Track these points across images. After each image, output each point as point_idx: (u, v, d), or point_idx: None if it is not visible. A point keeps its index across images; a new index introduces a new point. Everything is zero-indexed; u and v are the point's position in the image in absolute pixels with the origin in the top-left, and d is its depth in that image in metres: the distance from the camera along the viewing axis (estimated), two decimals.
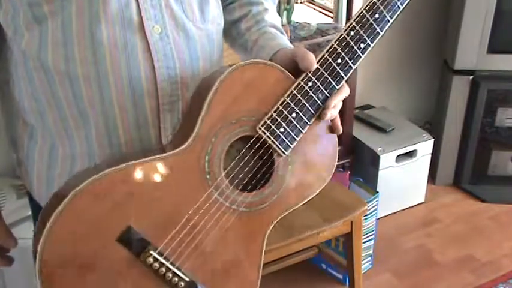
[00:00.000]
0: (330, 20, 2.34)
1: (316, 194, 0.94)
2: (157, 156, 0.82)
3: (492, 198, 2.54)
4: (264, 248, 0.91)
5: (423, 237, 2.34)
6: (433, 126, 2.74)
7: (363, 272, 1.98)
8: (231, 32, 1.06)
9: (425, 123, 2.80)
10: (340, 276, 2.11)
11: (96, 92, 0.85)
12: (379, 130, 2.40)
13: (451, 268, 2.18)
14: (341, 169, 2.22)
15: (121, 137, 0.88)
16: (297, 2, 2.33)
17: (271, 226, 0.91)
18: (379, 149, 2.29)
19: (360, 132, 2.37)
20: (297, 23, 2.21)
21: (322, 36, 2.13)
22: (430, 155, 2.42)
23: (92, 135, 0.88)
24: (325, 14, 2.40)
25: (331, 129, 0.94)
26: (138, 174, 0.80)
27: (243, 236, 0.89)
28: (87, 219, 0.77)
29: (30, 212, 1.07)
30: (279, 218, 0.92)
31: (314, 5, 2.43)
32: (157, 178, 0.82)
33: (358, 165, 2.34)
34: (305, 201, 0.94)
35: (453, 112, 2.49)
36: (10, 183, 1.87)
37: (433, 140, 2.40)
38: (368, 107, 2.60)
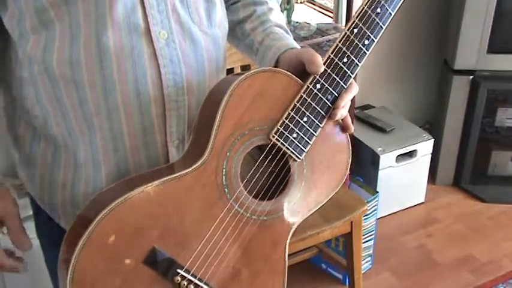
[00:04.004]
0: (330, 20, 2.34)
1: (334, 192, 0.94)
2: (175, 175, 0.81)
3: (492, 198, 2.54)
4: (287, 255, 0.91)
5: (423, 237, 2.34)
6: (433, 126, 2.74)
7: (363, 272, 1.98)
8: (235, 32, 1.05)
9: (425, 123, 2.80)
10: (340, 276, 2.11)
11: (101, 97, 0.84)
12: (379, 130, 2.40)
13: (451, 268, 2.18)
14: None
15: (126, 143, 0.88)
16: (297, 2, 2.34)
17: (292, 231, 0.91)
18: (379, 149, 2.29)
19: (360, 132, 2.37)
20: (297, 23, 2.21)
21: (322, 36, 2.13)
22: (430, 155, 2.42)
23: (96, 140, 0.88)
24: (325, 14, 2.40)
25: (343, 128, 0.93)
26: (158, 195, 0.80)
27: (266, 245, 0.89)
28: (111, 246, 0.78)
29: (30, 212, 1.06)
30: (300, 221, 0.91)
31: (314, 5, 2.43)
32: (176, 197, 0.82)
33: (358, 165, 2.34)
34: (325, 201, 0.93)
35: (453, 112, 2.50)
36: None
37: (433, 140, 2.40)
38: (368, 107, 2.60)
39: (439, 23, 2.64)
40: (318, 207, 0.93)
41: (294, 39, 1.03)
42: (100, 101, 0.84)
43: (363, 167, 2.35)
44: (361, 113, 2.48)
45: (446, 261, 2.21)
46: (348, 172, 0.97)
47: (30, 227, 1.09)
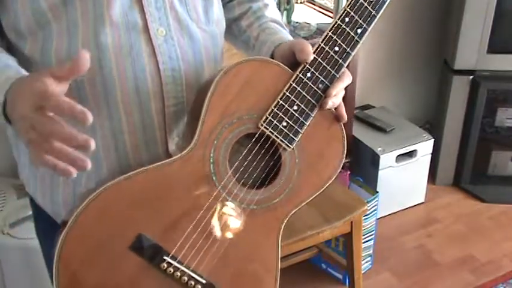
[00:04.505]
0: (330, 20, 2.34)
1: (328, 184, 0.93)
2: (162, 162, 0.82)
3: (492, 198, 2.54)
4: (280, 246, 0.90)
5: (423, 237, 2.34)
6: (433, 126, 2.74)
7: (363, 272, 1.98)
8: (232, 30, 1.06)
9: (425, 123, 2.80)
10: (340, 276, 2.11)
11: (101, 96, 0.84)
12: (379, 130, 2.40)
13: (451, 268, 2.18)
14: (341, 169, 2.22)
15: (127, 141, 0.88)
16: (297, 2, 2.33)
17: (285, 222, 0.90)
18: (379, 149, 2.29)
19: (360, 132, 2.37)
20: (297, 23, 2.21)
21: None
22: (430, 155, 2.42)
23: (97, 139, 0.88)
24: (325, 14, 2.40)
25: (336, 117, 0.93)
26: (145, 181, 0.81)
27: (256, 234, 0.88)
28: (98, 231, 0.78)
29: (30, 212, 1.07)
30: (292, 212, 0.90)
31: (314, 5, 2.43)
32: (163, 184, 0.82)
33: (358, 165, 2.34)
34: (318, 193, 0.92)
35: (453, 112, 2.49)
36: (10, 183, 1.87)
37: (433, 140, 2.40)
38: (368, 107, 2.60)
39: (439, 23, 2.64)
40: (311, 198, 0.92)
41: None
42: (100, 100, 0.85)
43: (363, 167, 2.34)
44: (361, 113, 2.48)
45: (446, 261, 2.21)
46: (342, 163, 0.95)
47: (30, 227, 1.09)
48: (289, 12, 2.22)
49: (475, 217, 2.46)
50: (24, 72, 0.79)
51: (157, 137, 0.90)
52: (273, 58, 0.94)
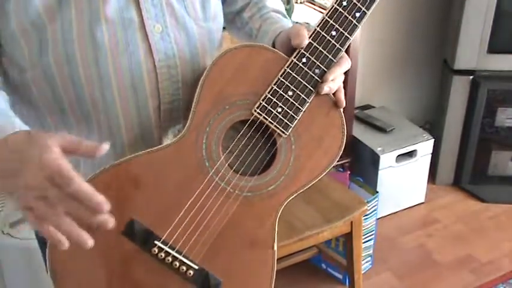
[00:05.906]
0: None
1: (327, 171, 0.91)
2: (155, 148, 0.83)
3: (492, 198, 2.54)
4: (276, 234, 0.88)
5: (423, 237, 2.34)
6: (433, 126, 2.74)
7: (363, 272, 1.98)
8: (235, 22, 1.06)
9: (425, 123, 2.80)
10: (340, 276, 2.11)
11: (98, 93, 0.84)
12: (379, 130, 2.39)
13: (451, 268, 2.18)
14: (341, 169, 2.22)
15: (124, 138, 0.88)
16: (297, 2, 2.33)
17: (280, 210, 0.88)
18: (379, 149, 2.29)
19: (360, 132, 2.37)
20: (296, 23, 2.21)
21: None
22: (430, 155, 2.42)
23: (94, 136, 0.88)
24: None
25: (335, 103, 0.91)
26: (137, 166, 0.81)
27: (250, 221, 0.87)
28: None
29: None
30: (289, 200, 0.89)
31: (314, 5, 2.43)
32: (156, 169, 0.82)
33: (358, 165, 2.34)
34: (315, 180, 0.90)
35: (453, 112, 2.49)
36: None
37: (433, 140, 2.40)
38: (368, 107, 2.60)
39: (439, 23, 2.64)
40: (308, 186, 0.90)
41: None
42: (97, 97, 0.85)
43: (363, 167, 2.34)
44: (361, 113, 2.48)
45: (446, 261, 2.21)
46: (341, 150, 0.92)
47: (29, 227, 1.09)
48: (289, 12, 2.22)
49: (475, 217, 2.46)
50: (13, 121, 0.75)
51: (154, 134, 0.90)
52: (274, 47, 0.94)
